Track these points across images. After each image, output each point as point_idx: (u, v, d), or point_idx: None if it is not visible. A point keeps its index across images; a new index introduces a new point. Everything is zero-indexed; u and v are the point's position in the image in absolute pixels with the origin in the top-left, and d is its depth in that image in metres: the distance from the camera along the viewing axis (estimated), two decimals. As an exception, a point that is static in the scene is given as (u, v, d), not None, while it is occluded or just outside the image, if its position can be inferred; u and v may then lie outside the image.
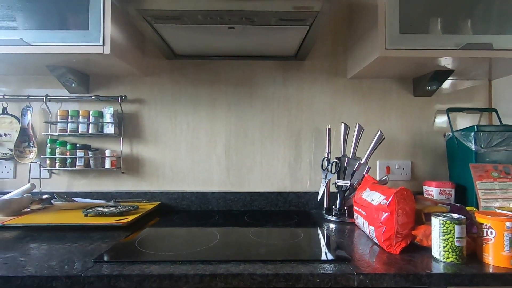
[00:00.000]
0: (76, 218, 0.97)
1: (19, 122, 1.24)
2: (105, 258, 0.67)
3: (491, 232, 0.66)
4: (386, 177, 1.06)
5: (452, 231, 0.67)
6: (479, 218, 0.69)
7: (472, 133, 1.11)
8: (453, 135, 1.20)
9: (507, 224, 0.64)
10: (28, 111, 1.23)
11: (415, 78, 1.28)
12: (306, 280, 0.61)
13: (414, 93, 1.29)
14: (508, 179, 1.06)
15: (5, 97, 1.22)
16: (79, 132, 1.21)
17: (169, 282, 0.60)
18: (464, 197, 1.13)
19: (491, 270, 0.64)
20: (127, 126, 1.27)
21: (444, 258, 0.68)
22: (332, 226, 1.02)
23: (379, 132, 1.09)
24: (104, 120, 1.21)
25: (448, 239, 0.67)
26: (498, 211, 0.74)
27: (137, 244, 0.79)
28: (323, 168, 1.16)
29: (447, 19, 0.99)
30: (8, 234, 0.89)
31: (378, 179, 1.26)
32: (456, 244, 0.66)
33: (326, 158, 1.16)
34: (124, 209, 1.01)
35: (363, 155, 1.11)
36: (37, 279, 0.59)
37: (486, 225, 0.67)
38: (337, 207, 1.11)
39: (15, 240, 0.82)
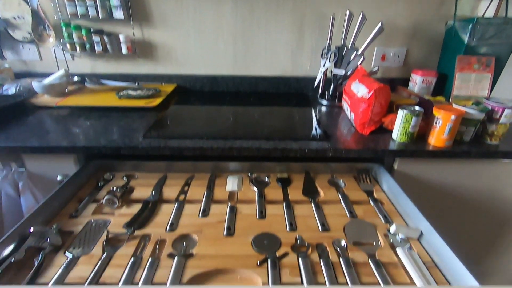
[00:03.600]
0: (113, 100, 1.17)
1: (27, 3, 1.25)
2: (151, 134, 0.92)
3: (439, 122, 0.87)
4: (376, 68, 1.19)
5: (410, 121, 0.88)
6: (435, 111, 0.88)
7: (470, 25, 1.15)
8: (454, 23, 1.23)
9: (452, 117, 0.85)
10: (33, -9, 1.22)
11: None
12: (295, 152, 0.87)
13: (429, -25, 1.22)
14: (486, 71, 1.20)
15: (4, -26, 1.19)
16: (90, 15, 1.24)
17: (200, 151, 0.86)
18: (443, 85, 1.29)
19: (429, 148, 0.89)
20: (134, 10, 1.28)
21: (398, 139, 0.92)
22: (323, 109, 1.24)
23: (380, 23, 1.13)
24: (112, 4, 1.22)
25: (405, 126, 0.89)
26: (454, 105, 0.92)
27: (169, 123, 1.02)
28: (322, 57, 1.27)
29: None
30: (63, 112, 1.12)
31: (372, 65, 1.39)
32: (410, 130, 0.89)
33: (326, 48, 1.25)
34: (150, 93, 1.21)
35: (361, 45, 1.20)
36: (109, 149, 0.85)
37: (438, 117, 0.88)
38: (330, 93, 1.29)
39: (73, 118, 1.06)
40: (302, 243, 0.66)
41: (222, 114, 1.13)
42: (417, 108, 0.89)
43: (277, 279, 0.57)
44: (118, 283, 0.56)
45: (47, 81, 1.19)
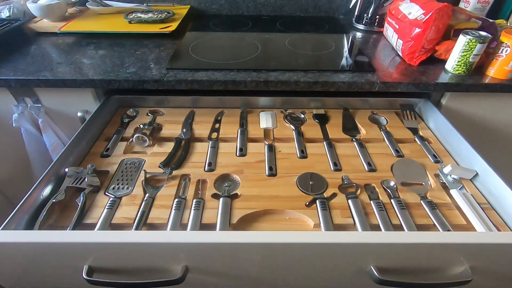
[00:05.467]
0: (123, 25, 1.03)
1: None
2: (174, 66, 0.82)
3: (507, 50, 0.76)
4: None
5: (473, 49, 0.76)
6: (503, 37, 0.76)
7: None
8: None
9: (525, 44, 0.73)
10: None
11: None
12: (338, 86, 0.78)
13: None
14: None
15: None
16: None
17: (232, 85, 0.78)
18: (501, 5, 1.11)
19: (486, 81, 0.79)
20: None
21: (453, 70, 0.81)
22: (359, 35, 1.09)
23: None
24: None
25: (466, 55, 0.78)
26: (525, 29, 0.79)
27: (191, 52, 0.91)
28: (364, -31, 1.06)
29: None
30: (69, 40, 0.99)
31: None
32: (470, 60, 0.78)
33: (371, -44, 1.03)
34: (163, 16, 1.05)
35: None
36: (131, 82, 0.77)
37: (506, 43, 0.75)
38: (369, 15, 1.11)
39: (82, 47, 0.94)
40: (349, 183, 0.63)
41: (248, 42, 1.00)
42: (482, 33, 0.76)
43: (329, 221, 0.55)
44: (167, 224, 0.55)
45: (43, 1, 1.03)
